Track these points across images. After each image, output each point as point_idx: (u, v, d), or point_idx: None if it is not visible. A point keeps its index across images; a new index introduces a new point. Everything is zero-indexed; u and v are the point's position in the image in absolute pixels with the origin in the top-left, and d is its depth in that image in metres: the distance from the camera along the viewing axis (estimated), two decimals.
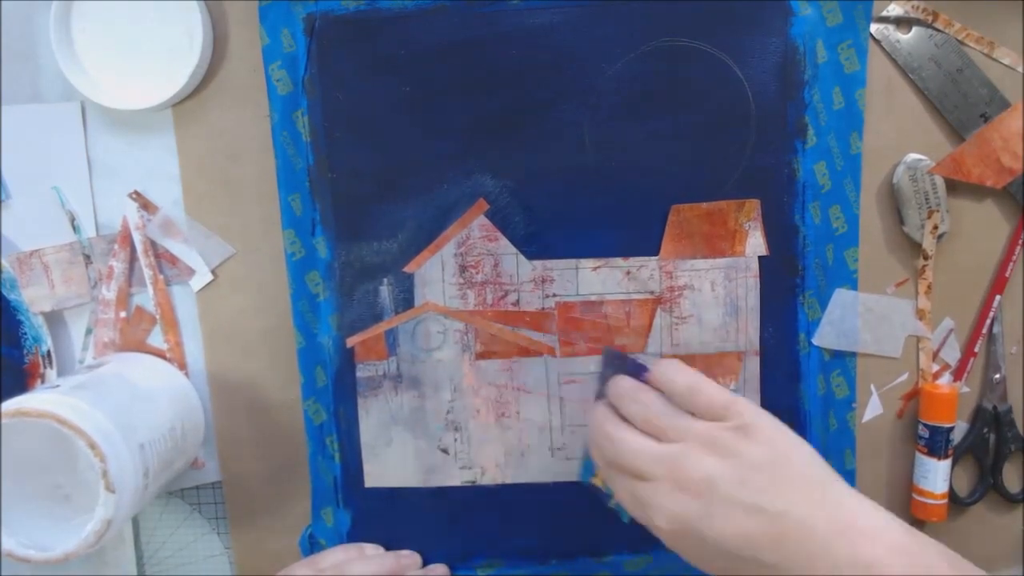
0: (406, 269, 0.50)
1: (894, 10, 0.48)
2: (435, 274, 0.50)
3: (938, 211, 0.49)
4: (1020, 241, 0.50)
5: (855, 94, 0.48)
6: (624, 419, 0.41)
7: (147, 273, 0.52)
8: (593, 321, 0.50)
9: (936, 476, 0.50)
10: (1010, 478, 0.53)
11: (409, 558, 0.52)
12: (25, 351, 0.52)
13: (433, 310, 0.51)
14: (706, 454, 0.38)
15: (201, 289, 0.52)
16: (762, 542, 0.36)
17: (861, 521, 0.36)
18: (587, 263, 0.50)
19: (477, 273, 0.50)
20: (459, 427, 0.52)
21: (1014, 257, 0.51)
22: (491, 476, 0.52)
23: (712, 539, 0.37)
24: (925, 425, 0.51)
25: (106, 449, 0.41)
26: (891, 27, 0.49)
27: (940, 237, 0.50)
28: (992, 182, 0.49)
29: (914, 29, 0.49)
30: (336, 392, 0.51)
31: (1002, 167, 0.49)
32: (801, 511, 0.36)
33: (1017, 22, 0.49)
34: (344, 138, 0.49)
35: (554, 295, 0.50)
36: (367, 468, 0.52)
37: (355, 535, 0.53)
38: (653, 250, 0.50)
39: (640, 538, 0.52)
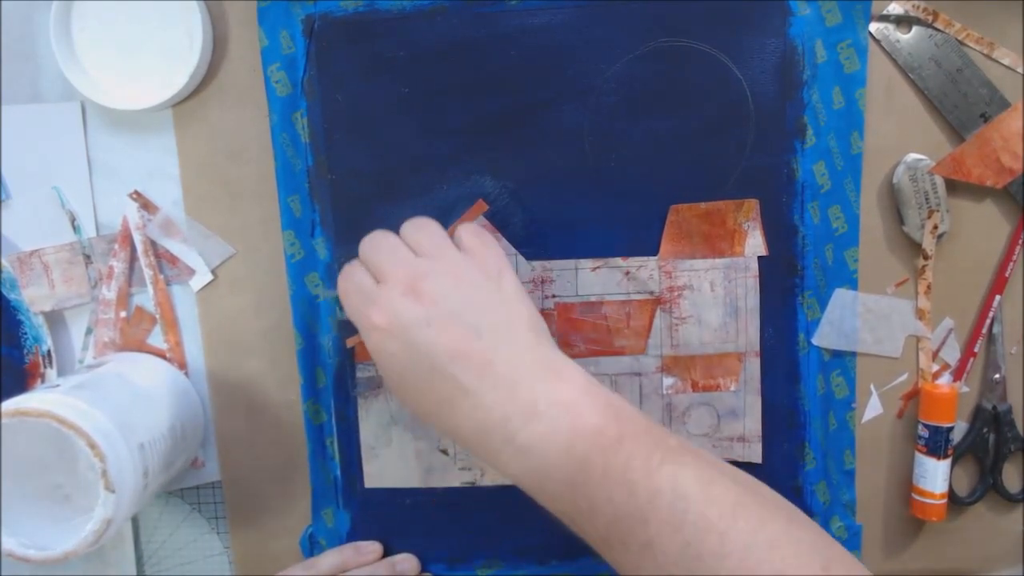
0: None
1: (894, 9, 0.48)
2: None
3: (938, 211, 0.49)
4: (1020, 241, 0.50)
5: (855, 94, 0.48)
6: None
7: (147, 273, 0.52)
8: (593, 322, 0.50)
9: (936, 476, 0.50)
10: (1010, 478, 0.53)
11: (405, 562, 0.52)
12: (25, 351, 0.52)
13: None
14: (448, 274, 0.40)
15: (201, 289, 0.52)
16: (470, 361, 0.38)
17: (564, 371, 0.39)
18: (586, 263, 0.50)
19: None
20: None
21: (1014, 257, 0.51)
22: (491, 477, 0.52)
23: (422, 344, 0.38)
24: (925, 425, 0.51)
25: (106, 449, 0.41)
26: (891, 27, 0.49)
27: (940, 237, 0.50)
28: (992, 182, 0.49)
29: (914, 29, 0.49)
30: (336, 393, 0.51)
31: (1002, 167, 0.49)
32: (517, 348, 0.39)
33: (1017, 22, 0.49)
34: (343, 139, 0.49)
35: (554, 296, 0.50)
36: (367, 469, 0.52)
37: (355, 535, 0.53)
38: (652, 250, 0.50)
39: None
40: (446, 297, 0.39)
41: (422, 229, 0.42)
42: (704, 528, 0.35)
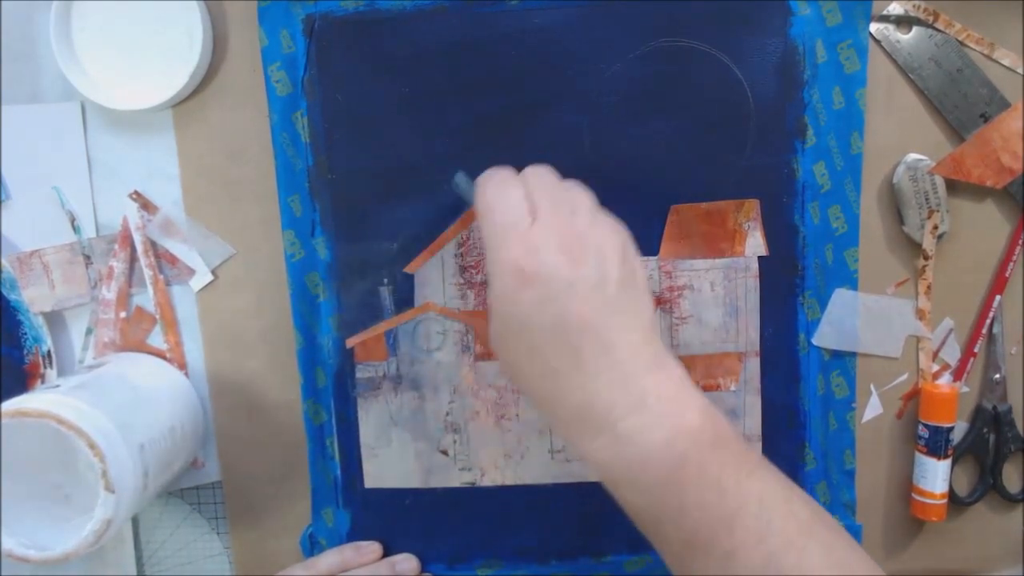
0: (406, 269, 0.50)
1: (894, 9, 0.48)
2: (435, 274, 0.50)
3: (938, 211, 0.49)
4: (1020, 241, 0.50)
5: (855, 94, 0.48)
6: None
7: (147, 273, 0.52)
8: None
9: (936, 476, 0.50)
10: (1010, 478, 0.53)
11: (406, 562, 0.52)
12: (25, 351, 0.52)
13: (433, 311, 0.51)
14: (602, 246, 0.38)
15: (201, 289, 0.52)
16: (596, 338, 0.37)
17: (668, 366, 0.38)
18: None
19: (477, 273, 0.50)
20: (458, 429, 0.52)
21: (1014, 257, 0.51)
22: (491, 478, 0.52)
23: (558, 304, 0.37)
24: (925, 425, 0.51)
25: (105, 449, 0.41)
26: (891, 27, 0.49)
27: (940, 237, 0.50)
28: (992, 182, 0.49)
29: (914, 29, 0.49)
30: (336, 393, 0.51)
31: (1002, 167, 0.49)
32: (637, 337, 0.38)
33: (1017, 23, 0.49)
34: (344, 139, 0.49)
35: None
36: (367, 469, 0.52)
37: (355, 535, 0.53)
38: (653, 250, 0.50)
39: (640, 538, 0.53)
40: (595, 268, 0.37)
41: (581, 193, 0.41)
42: (785, 543, 0.35)
